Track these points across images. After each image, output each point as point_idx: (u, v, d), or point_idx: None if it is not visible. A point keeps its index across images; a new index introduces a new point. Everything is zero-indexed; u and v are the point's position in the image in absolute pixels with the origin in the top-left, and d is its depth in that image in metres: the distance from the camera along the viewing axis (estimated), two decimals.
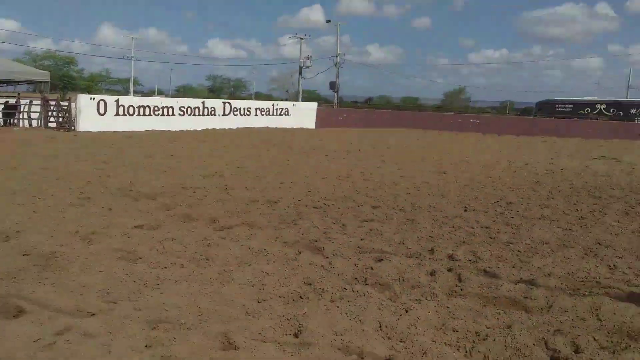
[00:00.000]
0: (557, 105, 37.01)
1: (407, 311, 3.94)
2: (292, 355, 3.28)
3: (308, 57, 45.27)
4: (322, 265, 4.94)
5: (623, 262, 5.51)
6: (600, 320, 3.93)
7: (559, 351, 3.38)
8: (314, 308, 3.96)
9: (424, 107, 57.67)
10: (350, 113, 33.84)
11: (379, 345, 3.42)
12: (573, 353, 3.38)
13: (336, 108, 39.66)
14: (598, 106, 35.57)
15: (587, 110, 35.48)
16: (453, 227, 6.79)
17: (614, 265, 5.37)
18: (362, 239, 5.99)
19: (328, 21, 44.99)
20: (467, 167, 13.79)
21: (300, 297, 4.20)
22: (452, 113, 42.26)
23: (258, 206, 7.58)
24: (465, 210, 7.91)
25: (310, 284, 4.47)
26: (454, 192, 9.55)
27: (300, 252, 5.32)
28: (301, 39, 47.06)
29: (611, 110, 34.56)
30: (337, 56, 44.38)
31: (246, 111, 27.60)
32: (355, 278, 4.67)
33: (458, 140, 24.58)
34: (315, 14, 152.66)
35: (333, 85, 43.90)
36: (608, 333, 3.72)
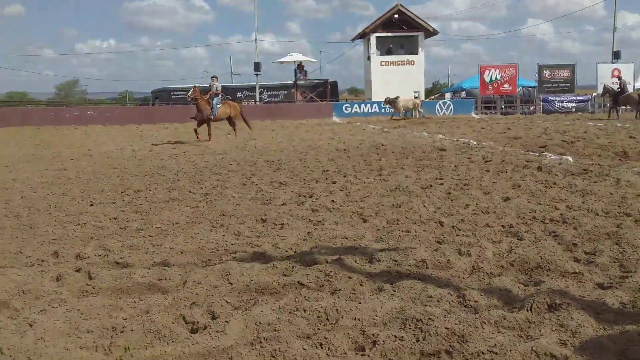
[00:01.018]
0: (172, 93, 38.35)
1: (31, 325, 3.42)
2: None
3: None
4: None
5: (245, 227, 6.02)
6: (232, 283, 4.18)
7: (198, 322, 3.44)
8: None
9: (34, 103, 52.20)
10: None
11: None
12: (210, 320, 3.48)
13: None
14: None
15: None
16: (79, 224, 6.28)
17: (238, 232, 5.82)
18: None
19: None
20: (89, 160, 13.06)
21: None
22: (69, 106, 39.47)
23: None
24: (92, 205, 7.44)
25: None
26: (77, 188, 8.90)
27: None
28: None
29: (220, 95, 37.76)
30: None
31: None
32: None
33: (77, 134, 23.13)
34: None
35: None
36: (239, 293, 3.99)
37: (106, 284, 4.19)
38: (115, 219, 6.53)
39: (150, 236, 5.70)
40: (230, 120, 18.61)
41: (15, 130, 24.92)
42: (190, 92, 17.82)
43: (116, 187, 8.94)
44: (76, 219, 6.53)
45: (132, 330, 3.30)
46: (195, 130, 17.52)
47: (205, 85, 19.03)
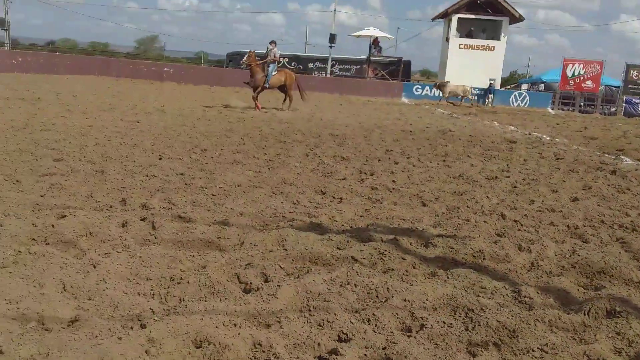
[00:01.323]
0: None
1: (95, 267, 3.61)
2: None
3: None
4: None
5: (304, 197, 6.07)
6: (286, 250, 4.25)
7: (251, 283, 3.54)
8: None
9: (114, 54, 54.01)
10: (27, 57, 29.66)
11: (62, 307, 3.06)
12: (263, 283, 3.57)
13: (8, 50, 34.29)
14: (282, 60, 38.56)
15: None
16: (147, 175, 6.53)
17: (297, 201, 5.88)
18: (42, 196, 5.30)
19: None
20: (162, 115, 13.48)
21: None
22: (147, 61, 40.65)
23: None
24: (160, 159, 7.70)
25: None
26: (148, 141, 9.22)
27: None
28: None
29: (292, 64, 37.92)
30: None
31: None
32: (33, 239, 4.10)
33: (152, 89, 23.87)
34: None
35: (2, 23, 37.55)
36: (293, 260, 4.05)
37: (168, 235, 4.35)
38: (181, 174, 6.74)
39: (213, 195, 5.86)
40: (284, 88, 17.54)
41: (94, 79, 26.00)
42: (245, 57, 16.84)
43: (185, 144, 9.20)
44: (145, 170, 6.79)
45: (188, 282, 3.43)
46: (254, 98, 16.85)
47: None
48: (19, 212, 4.66)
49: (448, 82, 28.18)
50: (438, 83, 28.42)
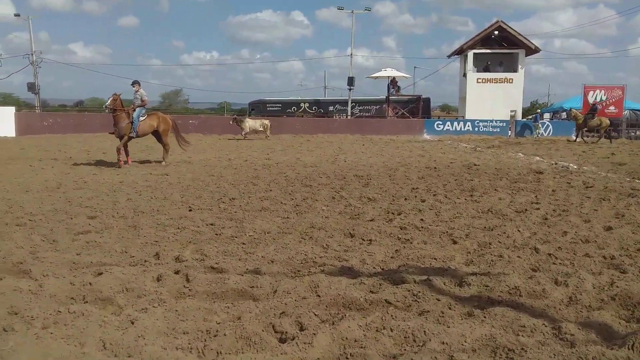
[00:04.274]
0: (267, 105, 39.57)
1: (133, 323, 3.66)
2: None
3: None
4: (29, 290, 4.28)
5: (334, 241, 6.09)
6: (319, 296, 4.25)
7: (286, 332, 3.54)
8: (23, 339, 3.40)
9: None
10: (58, 117, 30.74)
11: None
12: (298, 331, 3.56)
13: (40, 112, 35.52)
14: (302, 104, 39.26)
15: (294, 108, 38.85)
16: (178, 228, 6.64)
17: (327, 245, 5.90)
18: (78, 254, 5.42)
19: (17, 15, 39.64)
20: (189, 167, 13.75)
21: (4, 329, 3.56)
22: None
23: None
24: (190, 210, 7.83)
25: (17, 313, 3.83)
26: (177, 193, 9.39)
27: (1, 279, 4.54)
28: None
29: (313, 108, 38.53)
30: (32, 54, 39.50)
31: None
32: (72, 298, 4.18)
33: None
34: (1, 7, 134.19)
35: (32, 87, 38.92)
36: (327, 306, 4.04)
37: (202, 287, 4.40)
38: (211, 225, 6.83)
39: (243, 244, 5.92)
40: (158, 135, 14.72)
41: None
42: (108, 101, 13.81)
43: (213, 194, 9.35)
44: (176, 223, 6.90)
45: (224, 335, 3.45)
46: (118, 150, 13.89)
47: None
48: (57, 272, 4.77)
49: (245, 118, 27.84)
50: (236, 118, 27.67)
